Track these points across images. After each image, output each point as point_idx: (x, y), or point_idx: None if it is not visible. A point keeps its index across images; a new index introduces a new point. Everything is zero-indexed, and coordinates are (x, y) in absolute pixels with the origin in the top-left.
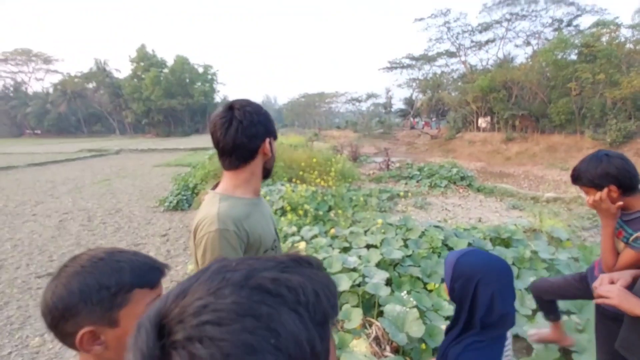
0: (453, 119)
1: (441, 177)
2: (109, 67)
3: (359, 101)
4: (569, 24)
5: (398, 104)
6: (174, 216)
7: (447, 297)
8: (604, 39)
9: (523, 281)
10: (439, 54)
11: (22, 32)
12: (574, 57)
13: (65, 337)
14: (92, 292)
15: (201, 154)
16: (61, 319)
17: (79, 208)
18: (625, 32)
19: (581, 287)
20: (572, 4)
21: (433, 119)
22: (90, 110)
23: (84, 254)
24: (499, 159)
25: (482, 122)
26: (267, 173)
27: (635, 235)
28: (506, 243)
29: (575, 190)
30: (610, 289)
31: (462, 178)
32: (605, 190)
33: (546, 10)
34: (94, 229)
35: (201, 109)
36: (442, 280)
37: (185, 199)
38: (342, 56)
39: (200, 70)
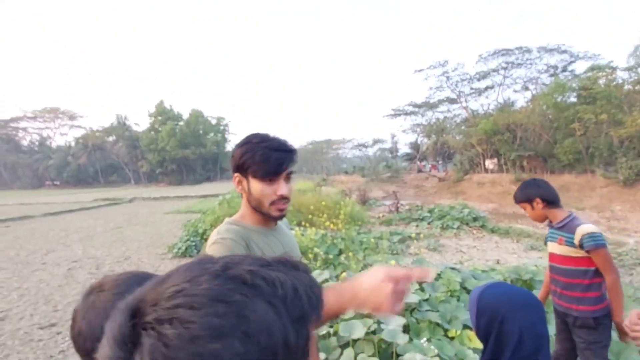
0: (460, 161)
1: (453, 219)
2: (128, 122)
3: (366, 146)
4: (564, 70)
5: (404, 148)
6: (183, 262)
7: (475, 344)
8: (601, 81)
9: (552, 325)
10: (440, 101)
11: (50, 90)
12: (573, 99)
13: None
14: None
15: (211, 200)
16: None
17: (89, 256)
18: (621, 74)
19: None
20: (564, 51)
21: (439, 162)
22: (108, 161)
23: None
24: (511, 200)
25: (489, 163)
26: (259, 213)
27: (578, 234)
28: (528, 285)
29: None
30: None
31: (475, 219)
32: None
33: (540, 58)
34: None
35: (213, 158)
36: (464, 327)
37: (194, 245)
38: (348, 104)
39: (214, 121)
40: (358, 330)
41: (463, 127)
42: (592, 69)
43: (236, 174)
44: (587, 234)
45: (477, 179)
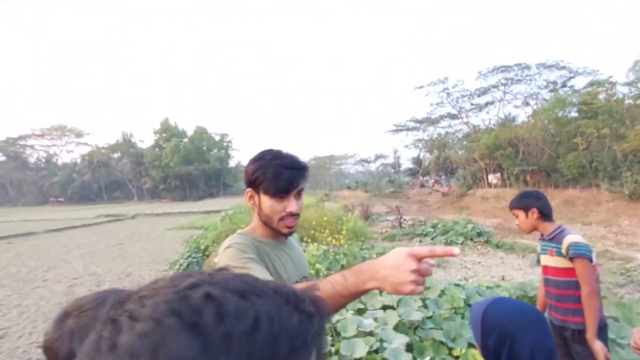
0: (463, 176)
1: (457, 234)
2: (134, 139)
3: (368, 162)
4: (563, 85)
5: (406, 164)
6: None
7: None
8: (601, 96)
9: None
10: (442, 117)
11: (59, 108)
12: (574, 114)
13: None
14: None
15: (214, 216)
16: None
17: (89, 273)
18: (621, 89)
19: None
20: (563, 67)
21: (442, 177)
22: (112, 178)
23: None
24: None
25: (492, 178)
26: (269, 227)
27: (565, 243)
28: (534, 301)
29: (602, 245)
30: None
31: (479, 234)
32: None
33: (539, 74)
34: None
35: (216, 174)
36: (469, 345)
37: (195, 262)
38: (351, 120)
39: (217, 138)
40: (360, 349)
41: (465, 142)
42: (591, 84)
43: (248, 189)
44: (572, 242)
45: (481, 194)
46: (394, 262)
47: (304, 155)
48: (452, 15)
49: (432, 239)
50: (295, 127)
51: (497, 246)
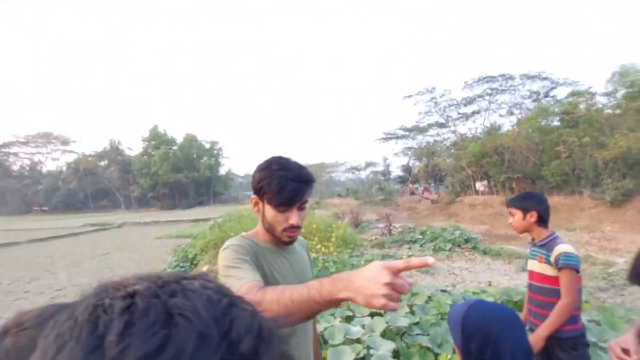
0: (451, 183)
1: (445, 240)
2: (122, 146)
3: (359, 170)
4: (546, 95)
5: (396, 171)
6: None
7: None
8: (582, 106)
9: None
10: (430, 125)
11: (44, 115)
12: (556, 123)
13: None
14: None
15: (203, 225)
16: None
17: (74, 284)
18: (601, 99)
19: None
20: (545, 78)
21: (432, 184)
22: (99, 186)
23: None
24: (503, 221)
25: (480, 185)
26: (271, 234)
27: (556, 252)
28: (519, 306)
29: (585, 250)
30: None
31: (467, 240)
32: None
33: (523, 85)
34: None
35: (206, 182)
36: (454, 351)
37: (183, 271)
38: (341, 128)
39: (207, 146)
40: (347, 356)
41: (453, 151)
42: (572, 94)
43: (254, 196)
44: (564, 252)
45: (469, 201)
46: (370, 274)
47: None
48: (445, 24)
49: (421, 245)
50: (287, 135)
51: (484, 252)
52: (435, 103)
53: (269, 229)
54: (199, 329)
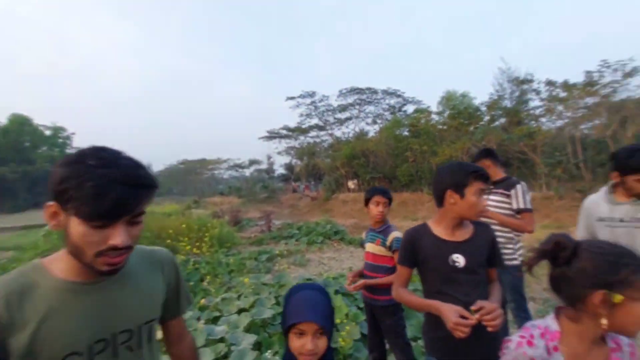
0: (328, 182)
1: (318, 234)
2: None
3: (242, 167)
4: (399, 110)
5: (280, 170)
6: None
7: None
8: (423, 121)
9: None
10: (311, 127)
11: None
12: (406, 133)
13: None
14: None
15: (38, 232)
16: None
17: None
18: (435, 117)
19: None
20: (399, 96)
21: (312, 183)
22: None
23: None
24: (367, 215)
25: (351, 184)
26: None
27: (390, 237)
28: None
29: None
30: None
31: (336, 233)
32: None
33: (384, 99)
34: None
35: (44, 178)
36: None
37: None
38: (223, 124)
39: (48, 132)
40: (206, 357)
41: (330, 152)
42: (417, 111)
43: (51, 203)
44: (396, 237)
45: (342, 198)
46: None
47: (171, 158)
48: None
49: (296, 240)
50: (161, 127)
51: (349, 242)
52: (315, 107)
53: (76, 255)
54: None
